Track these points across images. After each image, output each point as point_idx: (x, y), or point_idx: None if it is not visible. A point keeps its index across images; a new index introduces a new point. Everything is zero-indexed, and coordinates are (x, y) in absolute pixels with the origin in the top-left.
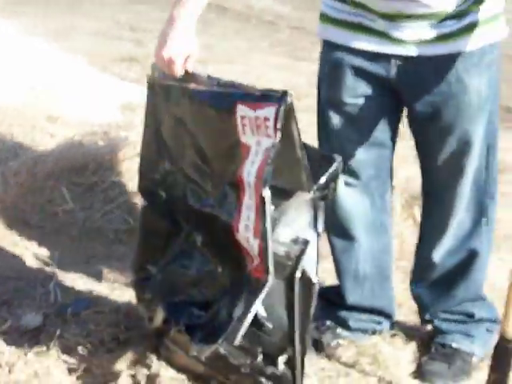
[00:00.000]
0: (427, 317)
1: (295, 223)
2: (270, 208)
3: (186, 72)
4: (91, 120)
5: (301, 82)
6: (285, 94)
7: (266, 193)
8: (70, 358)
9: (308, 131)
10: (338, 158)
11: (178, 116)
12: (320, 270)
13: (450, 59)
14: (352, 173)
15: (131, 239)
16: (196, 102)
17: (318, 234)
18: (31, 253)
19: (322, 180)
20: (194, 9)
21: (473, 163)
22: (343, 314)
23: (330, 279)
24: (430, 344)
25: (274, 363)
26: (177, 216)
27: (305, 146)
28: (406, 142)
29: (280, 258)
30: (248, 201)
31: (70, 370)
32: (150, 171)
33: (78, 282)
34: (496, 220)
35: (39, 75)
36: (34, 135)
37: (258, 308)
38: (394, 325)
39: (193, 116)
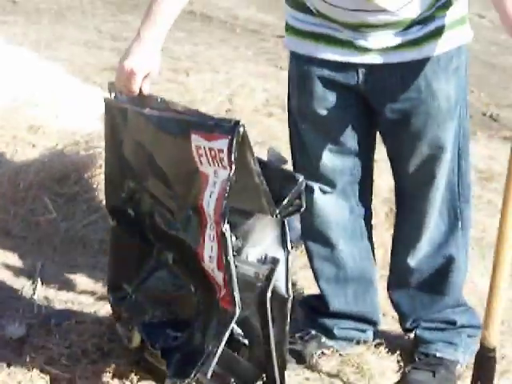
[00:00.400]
0: (408, 325)
1: (262, 242)
2: (231, 241)
3: (141, 92)
4: (73, 130)
5: (285, 91)
6: (237, 123)
7: (226, 227)
8: (54, 369)
9: None
10: (300, 178)
11: (137, 139)
12: (301, 278)
13: (418, 65)
14: (328, 181)
15: None
16: (152, 126)
17: (288, 251)
18: (14, 263)
19: (285, 201)
20: (162, 30)
21: (444, 168)
22: (327, 322)
23: (313, 288)
24: (412, 354)
25: None
26: (147, 233)
27: (266, 166)
28: None
29: (250, 278)
30: (210, 232)
31: (54, 381)
32: (116, 190)
33: (61, 292)
34: (482, 228)
35: (20, 85)
36: (15, 145)
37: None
38: (379, 334)
39: (151, 140)
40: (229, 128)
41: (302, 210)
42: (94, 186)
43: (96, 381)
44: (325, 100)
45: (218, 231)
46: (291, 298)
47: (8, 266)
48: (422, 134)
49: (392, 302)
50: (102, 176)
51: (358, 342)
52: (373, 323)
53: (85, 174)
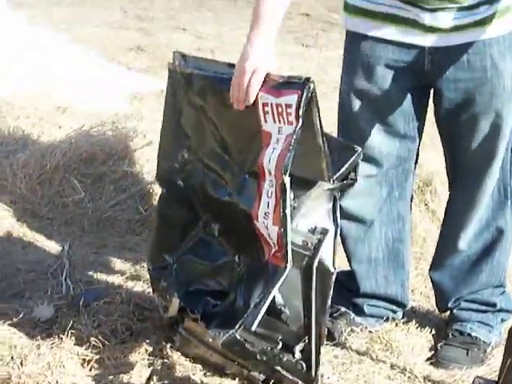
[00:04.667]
0: (450, 305)
1: (313, 214)
2: (290, 195)
3: (207, 60)
4: (99, 110)
5: (311, 69)
6: (307, 80)
7: (287, 179)
8: (83, 350)
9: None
10: (359, 149)
11: (199, 104)
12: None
13: (485, 45)
14: (374, 162)
15: (144, 229)
16: (218, 90)
17: (337, 225)
18: (41, 244)
19: (342, 170)
20: (270, 29)
21: (503, 146)
22: (357, 300)
23: (342, 265)
24: (445, 330)
25: (291, 351)
26: (194, 205)
27: (325, 135)
28: None
29: (298, 247)
30: (268, 188)
31: (83, 362)
32: (168, 160)
33: (89, 272)
34: None
35: (47, 66)
36: (41, 126)
37: (275, 295)
38: (407, 311)
39: (214, 104)
40: (299, 84)
41: (356, 184)
42: (121, 166)
43: (125, 361)
44: (385, 82)
45: (278, 184)
46: (336, 271)
47: (36, 248)
48: (486, 112)
49: (433, 282)
50: (129, 156)
51: (387, 319)
52: (402, 305)
53: (112, 154)
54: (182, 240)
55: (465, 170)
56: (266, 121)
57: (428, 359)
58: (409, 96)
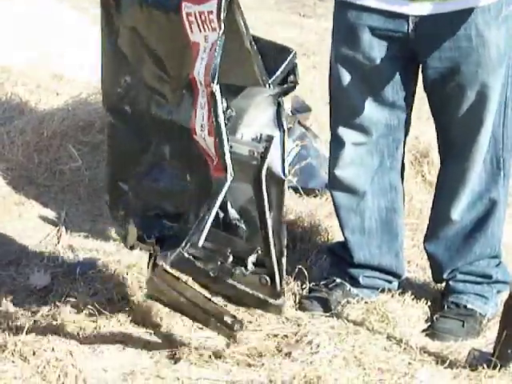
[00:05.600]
0: (445, 276)
1: (257, 122)
2: (221, 103)
3: None
4: (97, 78)
5: (309, 39)
6: None
7: (216, 87)
8: (79, 318)
9: (316, 89)
10: (293, 50)
11: (132, 25)
12: (327, 226)
13: (470, 14)
14: (363, 130)
15: None
16: (144, 7)
17: (283, 131)
18: (38, 212)
19: (278, 73)
20: None
21: (491, 117)
22: (353, 271)
23: (337, 237)
24: (441, 302)
25: (244, 264)
26: (144, 130)
27: (257, 40)
28: (416, 100)
29: (244, 157)
30: (201, 99)
31: (79, 330)
32: (112, 87)
33: (85, 240)
34: None
35: (44, 33)
36: (39, 94)
37: (229, 210)
38: (403, 282)
39: (144, 22)
40: None
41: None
42: None
43: (121, 329)
44: (371, 50)
45: (208, 93)
46: (287, 178)
47: (32, 215)
48: (471, 82)
49: (428, 253)
50: None
51: (382, 291)
52: (397, 276)
53: None
54: (135, 166)
55: (453, 140)
56: (192, 31)
57: (424, 331)
58: (396, 64)
